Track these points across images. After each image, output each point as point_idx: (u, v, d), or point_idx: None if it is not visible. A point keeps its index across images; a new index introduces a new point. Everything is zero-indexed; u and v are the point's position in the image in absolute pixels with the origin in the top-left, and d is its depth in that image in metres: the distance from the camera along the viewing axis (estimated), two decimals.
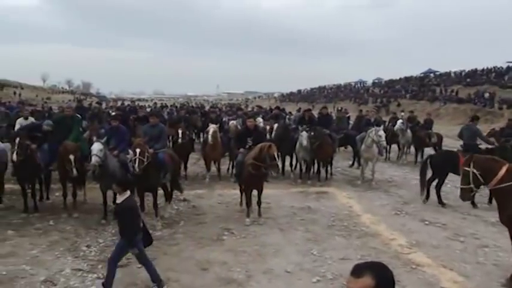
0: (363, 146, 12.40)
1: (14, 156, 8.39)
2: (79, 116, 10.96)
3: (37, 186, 9.60)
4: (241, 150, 9.14)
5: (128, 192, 5.78)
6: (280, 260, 6.80)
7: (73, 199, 9.05)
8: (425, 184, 10.31)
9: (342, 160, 16.20)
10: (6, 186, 10.16)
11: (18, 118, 11.30)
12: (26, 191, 9.05)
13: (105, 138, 8.60)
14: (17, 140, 8.47)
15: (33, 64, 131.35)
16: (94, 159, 7.98)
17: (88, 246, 7.27)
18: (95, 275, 6.18)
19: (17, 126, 10.03)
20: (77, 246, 7.29)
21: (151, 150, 8.27)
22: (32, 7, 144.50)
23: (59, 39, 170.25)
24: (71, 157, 8.36)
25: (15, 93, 57.07)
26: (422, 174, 10.40)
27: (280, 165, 8.38)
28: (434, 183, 10.26)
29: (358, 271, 1.97)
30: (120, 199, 5.77)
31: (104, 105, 26.64)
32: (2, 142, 9.94)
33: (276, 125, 13.23)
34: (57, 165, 8.93)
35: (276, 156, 8.34)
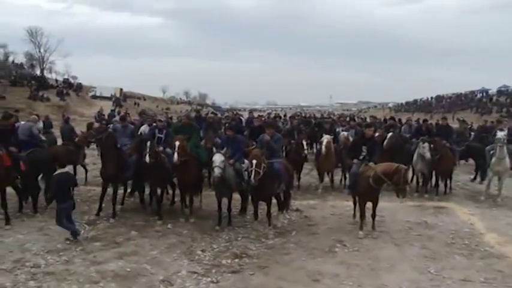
0: (494, 159, 11.34)
1: (147, 158, 8.80)
2: (197, 125, 11.25)
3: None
4: (355, 161, 8.91)
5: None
6: (394, 277, 6.49)
7: (190, 205, 9.43)
8: None
9: (462, 174, 15.08)
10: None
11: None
12: (157, 195, 9.47)
13: (224, 149, 8.89)
14: (148, 143, 8.95)
15: (155, 77, 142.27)
16: (217, 170, 8.22)
17: (203, 251, 7.51)
18: (209, 279, 6.37)
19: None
20: (192, 250, 7.57)
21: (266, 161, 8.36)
22: (156, 25, 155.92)
23: (179, 53, 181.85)
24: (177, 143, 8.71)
25: (135, 103, 61.78)
26: None
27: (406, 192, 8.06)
28: None
29: None
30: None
31: (219, 115, 27.70)
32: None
33: (389, 134, 12.70)
34: (176, 171, 9.27)
35: (408, 181, 7.99)
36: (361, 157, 8.82)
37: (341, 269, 6.74)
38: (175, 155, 8.66)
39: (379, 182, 8.20)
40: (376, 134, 12.38)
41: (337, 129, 15.83)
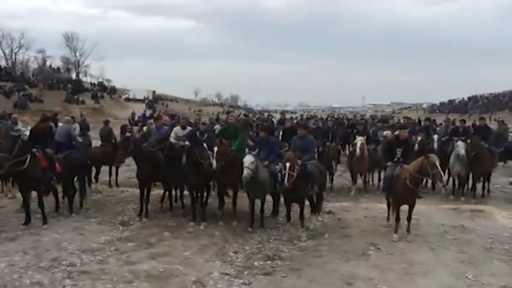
0: None
1: (214, 163, 8.79)
2: (241, 126, 11.10)
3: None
4: (389, 163, 8.75)
5: None
6: (430, 281, 6.34)
7: (233, 206, 9.39)
8: None
9: (501, 176, 14.62)
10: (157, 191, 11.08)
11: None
12: (194, 198, 9.41)
13: (256, 150, 8.88)
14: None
15: (187, 79, 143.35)
16: (246, 171, 8.22)
17: (235, 252, 7.52)
18: (241, 281, 6.36)
19: (172, 136, 10.32)
20: (224, 251, 7.59)
21: (299, 162, 8.30)
22: (189, 27, 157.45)
23: (211, 56, 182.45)
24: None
25: (162, 104, 62.59)
26: None
27: (442, 175, 7.83)
28: None
29: None
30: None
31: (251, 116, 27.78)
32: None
33: (436, 137, 12.42)
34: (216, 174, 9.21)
35: (437, 164, 7.82)
36: (395, 159, 8.69)
37: (375, 273, 6.63)
38: (214, 161, 8.73)
39: (416, 182, 8.03)
40: (419, 138, 12.18)
41: (372, 130, 15.59)
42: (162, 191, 10.80)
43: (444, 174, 12.34)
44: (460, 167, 11.44)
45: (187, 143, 9.43)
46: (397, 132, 9.47)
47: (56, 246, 7.60)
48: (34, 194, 9.00)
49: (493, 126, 17.17)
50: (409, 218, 8.46)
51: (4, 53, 61.32)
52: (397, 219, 8.41)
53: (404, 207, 8.45)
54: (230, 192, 10.02)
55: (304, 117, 32.14)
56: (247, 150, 9.31)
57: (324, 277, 6.52)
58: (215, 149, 8.79)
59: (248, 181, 8.30)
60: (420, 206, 9.41)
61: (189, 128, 10.67)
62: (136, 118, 21.51)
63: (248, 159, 8.31)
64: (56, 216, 9.45)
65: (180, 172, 9.45)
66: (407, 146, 8.84)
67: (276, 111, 56.08)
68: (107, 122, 14.45)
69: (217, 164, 8.71)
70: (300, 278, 6.49)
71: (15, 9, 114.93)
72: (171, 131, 10.54)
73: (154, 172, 9.58)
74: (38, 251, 7.32)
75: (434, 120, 20.80)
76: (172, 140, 10.11)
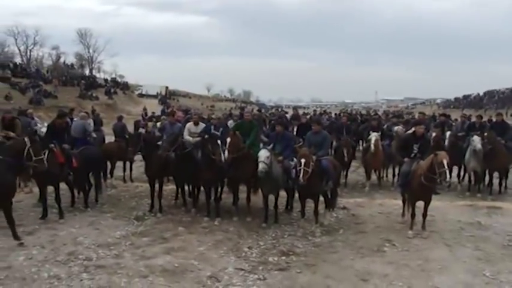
0: None
1: (226, 155, 8.75)
2: (256, 122, 10.99)
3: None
4: (406, 159, 8.69)
5: None
6: (446, 278, 6.28)
7: (247, 202, 9.40)
8: None
9: None
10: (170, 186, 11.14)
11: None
12: (209, 194, 9.42)
13: (271, 145, 8.86)
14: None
15: (200, 75, 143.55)
16: (261, 166, 8.21)
17: (249, 248, 7.53)
18: (256, 276, 6.37)
19: (185, 132, 10.29)
20: (239, 246, 7.60)
21: (314, 158, 8.27)
22: (201, 23, 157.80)
23: (223, 52, 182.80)
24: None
25: (173, 99, 62.95)
26: None
27: (448, 174, 7.72)
28: None
29: None
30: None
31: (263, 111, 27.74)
32: None
33: (448, 133, 12.29)
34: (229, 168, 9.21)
35: (444, 163, 7.74)
36: (412, 155, 8.62)
37: (390, 269, 6.59)
38: (226, 151, 8.71)
39: (431, 180, 7.97)
40: (434, 135, 12.06)
41: (384, 126, 15.50)
42: (175, 186, 10.84)
43: (460, 170, 12.38)
44: (475, 163, 11.30)
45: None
46: (413, 129, 9.37)
47: (73, 240, 7.69)
48: (50, 188, 9.09)
49: (510, 122, 16.91)
50: (424, 215, 8.39)
51: (19, 50, 62.40)
52: (413, 215, 8.33)
53: (420, 204, 8.38)
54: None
55: (317, 112, 32.02)
56: (261, 145, 9.29)
57: (339, 273, 6.50)
58: (227, 140, 8.80)
59: (263, 176, 8.30)
60: (436, 203, 9.31)
61: (201, 124, 10.65)
62: (149, 114, 21.67)
63: (263, 154, 8.31)
64: (72, 211, 9.56)
65: (193, 170, 9.35)
66: (424, 141, 8.78)
67: (288, 107, 56.05)
68: (120, 118, 14.57)
69: (228, 155, 8.71)
70: (315, 274, 6.47)
71: (29, 7, 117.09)
72: (184, 127, 10.53)
73: (163, 169, 9.60)
74: (55, 245, 7.40)
75: (449, 116, 20.58)
76: (186, 137, 10.12)
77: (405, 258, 7.02)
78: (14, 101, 33.43)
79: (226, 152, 8.71)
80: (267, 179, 8.45)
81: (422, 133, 8.88)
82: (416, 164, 8.35)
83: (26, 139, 7.66)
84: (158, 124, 15.12)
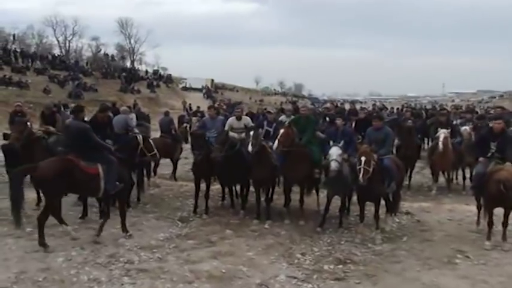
0: None
1: (250, 147, 8.81)
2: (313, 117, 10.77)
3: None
4: (482, 159, 8.33)
5: None
6: None
7: (300, 204, 9.35)
8: None
9: None
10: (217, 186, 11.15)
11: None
12: (260, 195, 9.40)
13: (342, 142, 8.76)
14: (251, 132, 8.98)
15: (248, 67, 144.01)
16: (334, 164, 8.17)
17: (303, 254, 7.44)
18: (310, 285, 6.29)
19: (226, 128, 10.20)
20: (291, 252, 7.53)
21: (375, 156, 8.09)
22: (250, 11, 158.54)
23: (273, 42, 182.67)
24: None
25: (218, 92, 63.63)
26: None
27: None
28: None
29: None
30: None
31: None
32: None
33: None
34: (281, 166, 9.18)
35: None
36: (489, 155, 8.24)
37: (464, 285, 6.32)
38: (276, 141, 8.65)
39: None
40: None
41: (454, 122, 14.98)
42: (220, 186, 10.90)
43: None
44: None
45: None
46: (490, 124, 8.97)
47: (113, 241, 7.83)
48: None
49: None
50: (505, 223, 7.95)
51: (58, 41, 64.67)
52: (490, 224, 7.95)
53: (499, 211, 7.98)
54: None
55: (377, 107, 31.45)
56: (331, 142, 9.08)
57: (403, 285, 6.32)
58: (280, 131, 8.72)
59: (334, 175, 8.20)
60: None
61: (245, 118, 10.57)
62: (194, 108, 21.93)
63: (335, 151, 8.29)
64: (113, 211, 9.71)
65: (242, 168, 9.31)
66: (503, 139, 8.32)
67: (344, 101, 55.33)
68: (167, 113, 14.88)
69: (278, 146, 8.64)
70: (376, 285, 6.32)
71: None
72: (226, 122, 10.49)
73: (211, 167, 9.61)
74: (95, 246, 7.56)
75: None
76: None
77: (483, 274, 6.69)
78: (52, 95, 34.66)
79: (276, 143, 8.64)
80: (336, 180, 8.36)
81: (501, 129, 8.46)
82: (494, 164, 7.98)
83: (139, 137, 8.73)
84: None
